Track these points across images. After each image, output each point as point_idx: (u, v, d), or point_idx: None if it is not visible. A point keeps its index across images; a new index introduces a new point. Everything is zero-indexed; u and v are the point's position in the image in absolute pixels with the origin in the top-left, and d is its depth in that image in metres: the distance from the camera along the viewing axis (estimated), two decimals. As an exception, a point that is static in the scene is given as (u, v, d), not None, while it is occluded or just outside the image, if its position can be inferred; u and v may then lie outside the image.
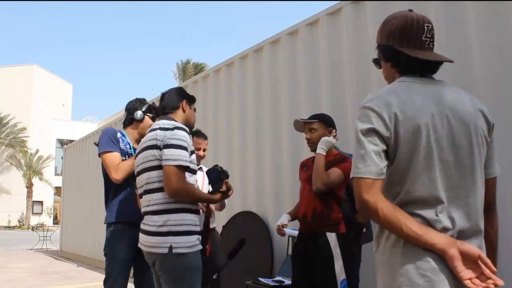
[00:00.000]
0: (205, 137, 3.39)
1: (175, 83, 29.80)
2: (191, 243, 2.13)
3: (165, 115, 2.37)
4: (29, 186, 30.37)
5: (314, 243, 2.64)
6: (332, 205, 2.66)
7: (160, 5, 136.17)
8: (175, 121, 2.30)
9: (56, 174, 31.62)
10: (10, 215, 29.92)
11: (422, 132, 1.22)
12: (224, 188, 2.37)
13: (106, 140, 2.68)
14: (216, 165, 2.43)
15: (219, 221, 4.80)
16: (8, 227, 29.39)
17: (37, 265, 9.19)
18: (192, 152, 2.26)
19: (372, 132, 1.23)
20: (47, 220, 30.61)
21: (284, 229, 2.89)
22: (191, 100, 2.49)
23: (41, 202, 31.83)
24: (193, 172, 2.28)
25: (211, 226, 3.35)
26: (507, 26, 2.75)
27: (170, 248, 2.07)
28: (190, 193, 2.18)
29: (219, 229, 4.52)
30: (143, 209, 2.24)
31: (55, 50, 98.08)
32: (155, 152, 2.18)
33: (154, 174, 2.18)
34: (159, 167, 2.17)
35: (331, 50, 3.99)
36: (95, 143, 2.88)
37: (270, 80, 4.66)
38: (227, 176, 2.40)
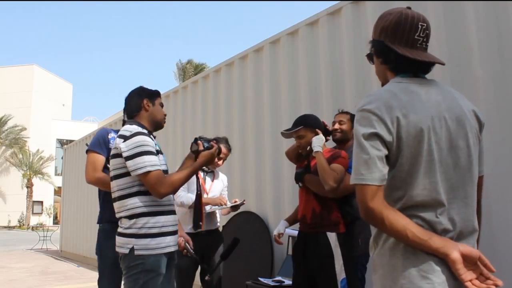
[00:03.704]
0: (230, 149, 3.40)
1: (175, 83, 29.80)
2: (153, 246, 2.16)
3: (131, 119, 2.37)
4: (29, 186, 30.36)
5: (315, 242, 2.63)
6: (330, 205, 2.65)
7: (160, 5, 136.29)
8: (138, 124, 2.31)
9: (56, 174, 31.59)
10: (10, 215, 29.89)
11: (424, 135, 1.20)
12: (201, 146, 2.36)
13: (94, 140, 2.76)
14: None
15: (220, 221, 4.80)
16: (8, 227, 29.37)
17: (37, 265, 9.19)
18: (158, 152, 2.26)
19: (374, 136, 1.19)
20: (47, 220, 30.56)
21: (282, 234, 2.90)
22: (152, 96, 2.41)
23: (41, 202, 31.80)
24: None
25: (214, 227, 3.34)
26: (507, 26, 2.75)
27: (132, 249, 2.13)
28: (174, 185, 2.20)
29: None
30: (116, 215, 2.26)
31: (55, 50, 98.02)
32: (119, 160, 2.20)
33: (121, 181, 2.21)
34: (124, 175, 2.20)
35: (331, 50, 3.99)
36: (86, 144, 2.99)
37: (270, 80, 4.66)
38: (206, 140, 2.41)
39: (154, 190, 2.14)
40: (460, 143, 1.25)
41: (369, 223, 1.23)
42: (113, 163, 2.24)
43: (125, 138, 2.18)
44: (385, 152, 1.20)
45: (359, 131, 1.22)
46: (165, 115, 2.47)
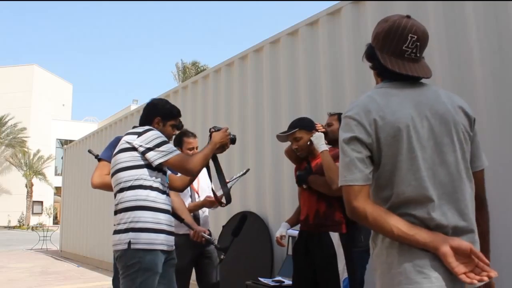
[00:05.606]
0: (194, 136, 3.38)
1: (175, 83, 29.82)
2: (150, 240, 2.17)
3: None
4: (29, 186, 30.36)
5: (317, 242, 2.62)
6: (335, 205, 2.64)
7: (160, 5, 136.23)
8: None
9: (56, 174, 31.61)
10: (10, 215, 29.91)
11: (402, 134, 1.25)
12: (212, 129, 2.48)
13: (108, 148, 2.80)
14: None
15: (219, 221, 4.80)
16: (8, 227, 29.38)
17: (37, 265, 9.19)
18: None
19: (354, 140, 1.27)
20: (47, 220, 30.59)
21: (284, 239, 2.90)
22: (167, 117, 2.48)
23: (41, 202, 31.82)
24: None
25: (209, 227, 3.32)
26: (507, 26, 2.75)
27: (129, 243, 2.14)
28: (198, 161, 2.29)
29: (219, 229, 4.52)
30: (115, 207, 2.29)
31: (55, 50, 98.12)
32: (129, 153, 2.25)
33: (126, 174, 2.25)
34: (131, 168, 2.25)
35: (331, 50, 3.99)
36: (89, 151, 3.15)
37: (270, 80, 4.66)
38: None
39: (182, 168, 2.29)
40: (445, 140, 1.28)
41: (355, 220, 1.28)
42: (121, 157, 2.28)
43: (139, 134, 2.29)
44: (366, 153, 1.27)
45: (340, 137, 1.31)
46: (174, 134, 2.58)
